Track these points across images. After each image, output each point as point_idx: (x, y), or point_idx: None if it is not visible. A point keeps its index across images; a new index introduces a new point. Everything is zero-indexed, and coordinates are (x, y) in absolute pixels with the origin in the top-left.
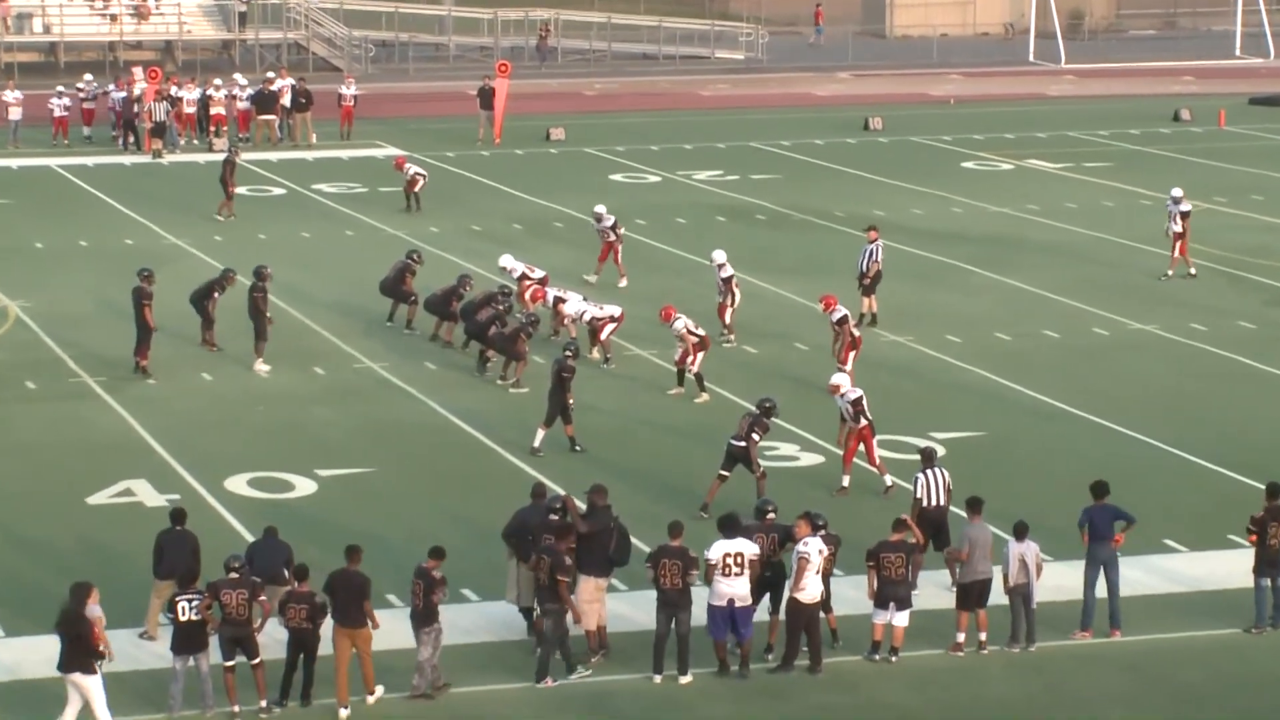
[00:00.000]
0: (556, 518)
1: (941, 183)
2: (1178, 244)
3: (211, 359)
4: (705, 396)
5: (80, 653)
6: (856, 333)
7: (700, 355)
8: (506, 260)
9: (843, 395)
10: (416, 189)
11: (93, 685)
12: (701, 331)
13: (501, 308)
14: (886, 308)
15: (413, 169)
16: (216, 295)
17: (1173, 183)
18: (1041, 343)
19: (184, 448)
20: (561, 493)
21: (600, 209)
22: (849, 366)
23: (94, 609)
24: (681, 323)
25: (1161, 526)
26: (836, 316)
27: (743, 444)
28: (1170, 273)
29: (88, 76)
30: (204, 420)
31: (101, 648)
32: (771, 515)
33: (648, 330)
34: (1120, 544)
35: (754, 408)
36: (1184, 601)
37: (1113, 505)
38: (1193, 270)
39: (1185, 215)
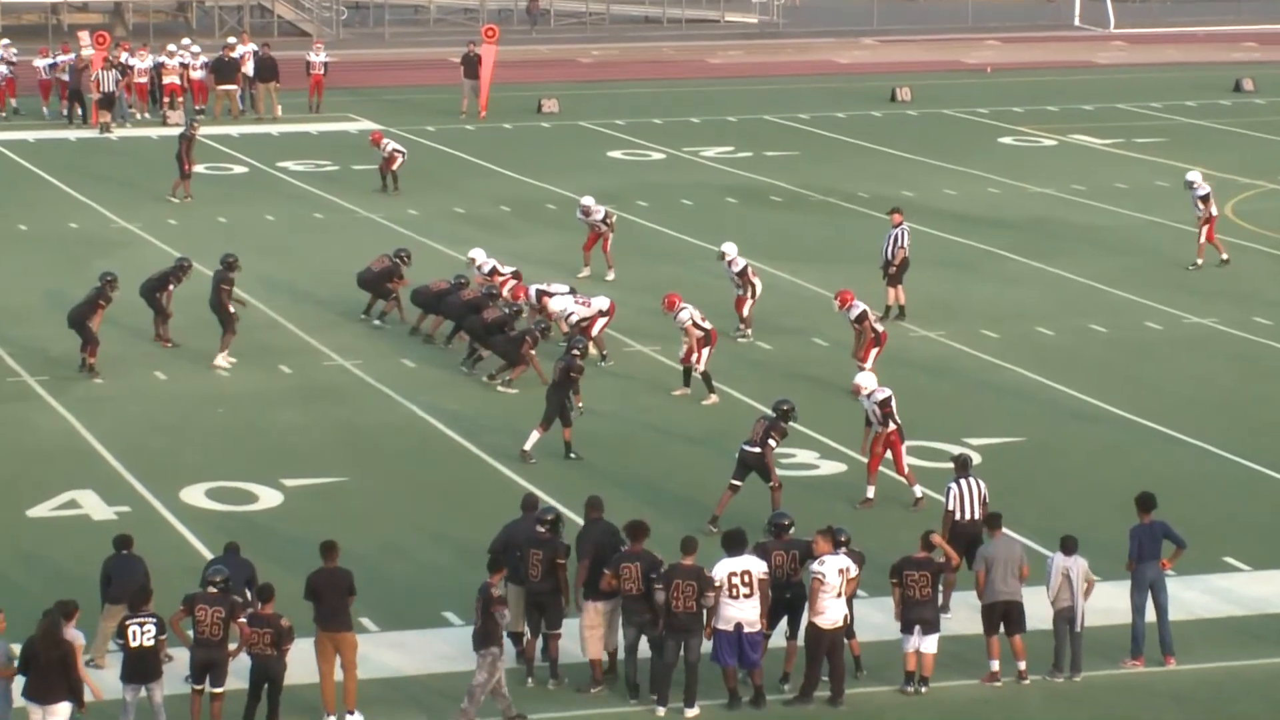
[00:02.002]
0: (544, 530)
1: (977, 160)
2: (1204, 229)
3: (166, 356)
4: (714, 398)
5: (60, 678)
6: (880, 328)
7: (707, 351)
8: (478, 254)
9: (869, 396)
10: (394, 167)
11: (65, 716)
12: (708, 324)
13: (512, 311)
14: (915, 299)
15: (390, 145)
16: (171, 287)
17: (1233, 160)
18: (1088, 338)
19: (135, 454)
20: (556, 505)
21: (588, 201)
22: (869, 365)
23: (74, 633)
24: (687, 313)
25: (1221, 542)
26: (854, 313)
27: (757, 450)
28: (1225, 256)
29: (4, 41)
30: (157, 424)
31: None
32: (790, 530)
33: (649, 324)
34: (1168, 568)
35: (770, 410)
36: (1245, 625)
37: (1161, 522)
38: (1199, 261)
39: (1205, 199)
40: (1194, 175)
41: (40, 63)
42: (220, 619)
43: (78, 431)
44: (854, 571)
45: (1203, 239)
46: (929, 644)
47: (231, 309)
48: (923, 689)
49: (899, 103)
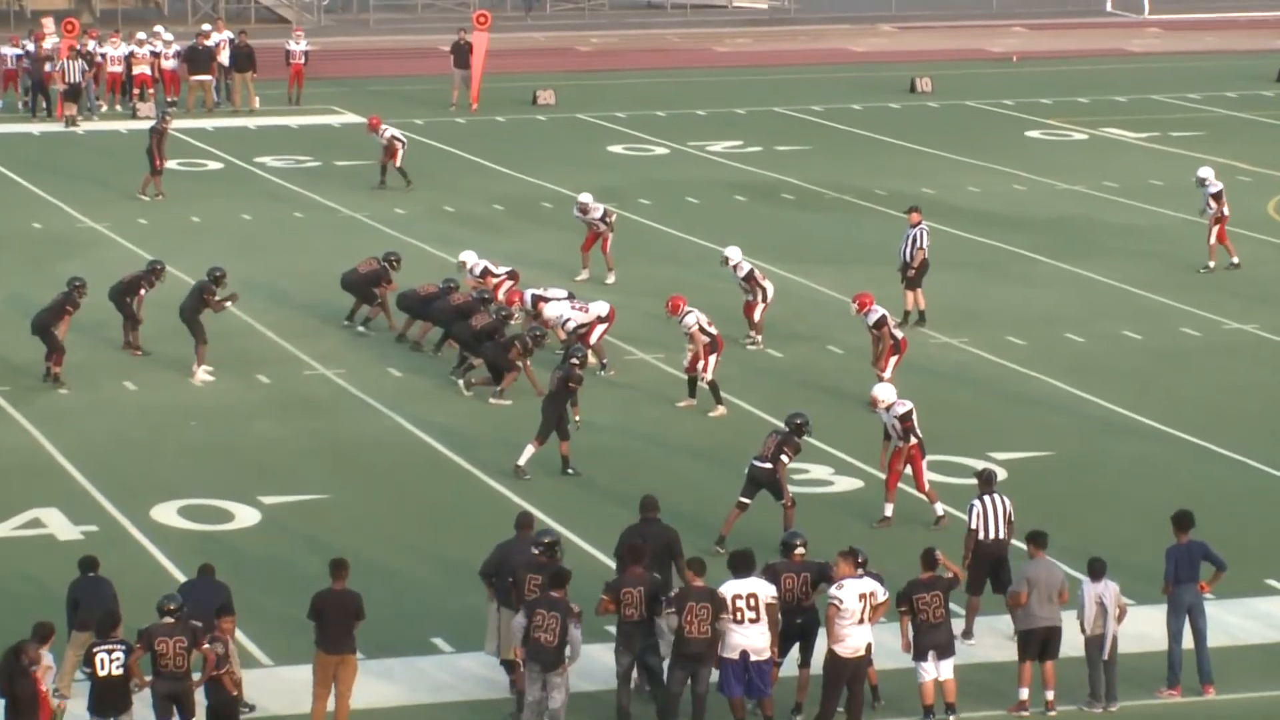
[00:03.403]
0: (540, 553)
1: (1002, 155)
2: (1214, 229)
3: (136, 365)
4: (721, 409)
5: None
6: (899, 334)
7: (714, 359)
8: (468, 256)
9: (888, 409)
10: (398, 161)
11: None
12: (715, 330)
13: (501, 315)
14: (936, 304)
15: (389, 131)
16: (143, 291)
17: (1276, 155)
18: (1120, 345)
19: (103, 470)
20: (552, 524)
21: (586, 198)
22: (888, 374)
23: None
24: (694, 317)
25: (1264, 563)
26: (873, 319)
27: (769, 466)
28: (1211, 264)
29: None
30: (127, 438)
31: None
32: (801, 550)
33: (652, 330)
34: (1207, 591)
35: (783, 424)
36: None
37: (1200, 542)
38: (1212, 264)
39: (1217, 196)
40: (1206, 171)
41: (8, 51)
42: (183, 648)
43: (41, 446)
44: (881, 596)
45: (1213, 239)
46: (946, 669)
47: (204, 316)
48: (950, 718)
49: (919, 94)
